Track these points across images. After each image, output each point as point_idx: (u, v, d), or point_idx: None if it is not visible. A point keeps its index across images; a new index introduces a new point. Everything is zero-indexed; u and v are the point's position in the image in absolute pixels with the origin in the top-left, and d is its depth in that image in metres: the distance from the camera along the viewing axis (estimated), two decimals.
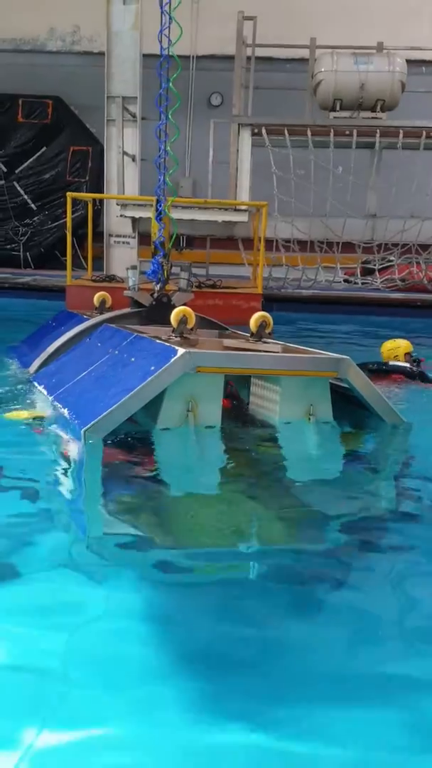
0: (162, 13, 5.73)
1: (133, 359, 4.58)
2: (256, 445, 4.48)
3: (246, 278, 12.69)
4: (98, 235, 12.29)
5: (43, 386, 5.47)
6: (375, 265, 12.46)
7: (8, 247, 15.84)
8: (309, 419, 4.45)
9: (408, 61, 12.20)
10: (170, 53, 5.83)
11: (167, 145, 5.90)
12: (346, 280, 13.04)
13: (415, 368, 6.61)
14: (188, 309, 4.85)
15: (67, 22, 17.27)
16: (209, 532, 3.39)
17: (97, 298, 7.05)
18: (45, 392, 5.29)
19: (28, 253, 15.70)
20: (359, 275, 12.45)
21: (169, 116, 5.92)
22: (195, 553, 3.15)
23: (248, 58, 12.77)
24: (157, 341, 4.63)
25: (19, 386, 5.86)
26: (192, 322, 4.84)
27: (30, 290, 12.49)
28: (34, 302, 11.96)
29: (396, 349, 6.96)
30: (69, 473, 3.92)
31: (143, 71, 11.79)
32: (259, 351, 4.70)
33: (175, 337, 4.75)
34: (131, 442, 4.23)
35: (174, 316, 4.78)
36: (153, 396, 4.01)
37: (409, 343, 7.03)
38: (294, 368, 4.38)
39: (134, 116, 11.85)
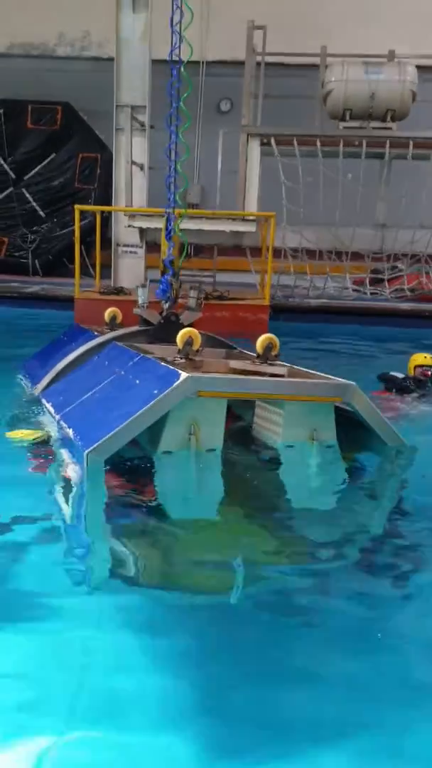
0: (173, 32, 5.67)
1: (137, 381, 4.56)
2: (257, 471, 4.49)
3: (253, 285, 12.64)
4: (106, 242, 12.26)
5: (50, 404, 5.45)
6: (384, 274, 12.40)
7: (17, 254, 15.86)
8: (312, 442, 4.40)
9: (420, 68, 12.14)
10: (181, 72, 5.77)
11: (177, 164, 5.86)
12: (355, 290, 12.97)
13: (410, 382, 6.62)
14: (194, 330, 4.84)
15: (77, 27, 17.23)
16: (209, 561, 3.43)
17: (108, 314, 7.02)
18: (52, 410, 5.28)
19: (36, 261, 15.72)
20: (368, 285, 12.37)
21: (180, 135, 5.88)
22: (195, 583, 3.21)
23: (258, 64, 12.70)
24: (162, 363, 4.59)
25: (29, 403, 5.92)
26: (198, 343, 4.82)
27: (38, 300, 12.45)
28: (43, 312, 11.95)
29: (412, 361, 6.96)
30: (70, 496, 3.95)
31: (152, 76, 11.76)
32: (265, 373, 4.66)
33: (181, 358, 4.73)
34: (133, 466, 4.24)
35: (180, 337, 4.78)
36: (155, 420, 4.00)
37: (426, 357, 6.97)
38: (297, 393, 4.33)
39: (143, 125, 11.82)
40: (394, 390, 6.65)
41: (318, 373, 4.68)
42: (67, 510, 3.85)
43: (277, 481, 4.28)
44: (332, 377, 4.47)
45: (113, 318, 7.00)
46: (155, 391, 4.03)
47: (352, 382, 4.28)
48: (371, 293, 12.26)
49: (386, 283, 12.27)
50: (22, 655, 2.60)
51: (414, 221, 11.65)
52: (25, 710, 2.28)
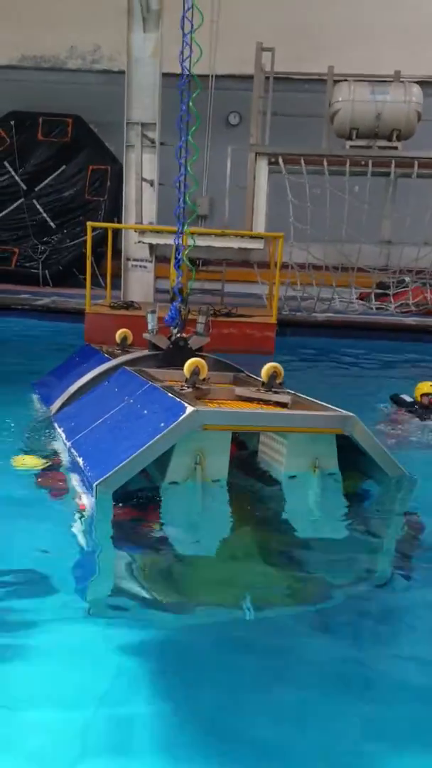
0: (184, 36, 5.77)
1: (145, 411, 4.69)
2: (261, 501, 4.62)
3: (259, 296, 12.85)
4: (116, 252, 12.45)
5: (62, 429, 5.61)
6: (390, 289, 12.60)
7: (27, 264, 16.09)
8: (314, 472, 4.54)
9: (427, 83, 12.33)
10: (191, 74, 5.87)
11: (186, 196, 6.06)
12: (361, 304, 13.16)
13: (417, 407, 6.89)
14: (201, 361, 4.97)
15: (88, 41, 17.50)
16: (213, 592, 3.61)
17: (119, 335, 7.18)
18: (64, 436, 5.44)
19: (46, 271, 15.94)
20: (374, 299, 12.57)
21: (190, 138, 5.99)
22: (199, 616, 3.37)
23: (266, 78, 12.89)
24: (169, 394, 4.71)
25: (42, 424, 6.08)
26: (204, 372, 4.98)
27: (49, 312, 12.69)
28: (53, 325, 12.17)
29: (418, 389, 7.21)
30: (78, 526, 4.10)
31: (162, 90, 11.98)
32: (270, 401, 4.84)
33: (188, 387, 4.87)
34: (140, 496, 4.39)
35: (187, 367, 4.90)
36: (162, 452, 4.14)
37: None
38: (299, 425, 4.45)
39: (153, 142, 12.05)
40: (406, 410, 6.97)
41: (319, 402, 4.80)
42: (75, 540, 3.99)
43: (280, 511, 4.42)
44: (333, 408, 4.59)
45: (124, 339, 7.19)
46: (162, 424, 4.18)
47: (352, 414, 4.39)
48: (377, 308, 12.45)
49: (391, 298, 12.45)
50: (26, 684, 2.79)
51: (418, 238, 11.84)
52: (36, 739, 2.49)
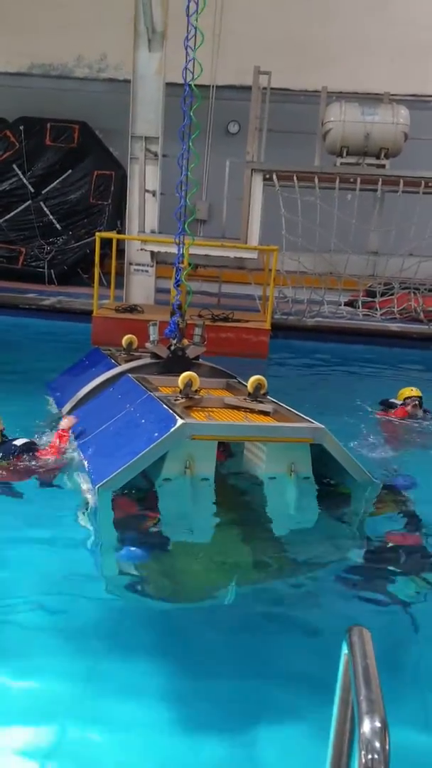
0: (186, 53, 6.46)
1: (143, 421, 5.34)
2: (245, 498, 5.34)
3: (253, 297, 13.63)
4: (119, 251, 13.15)
5: (72, 432, 6.28)
6: (377, 297, 13.41)
7: (33, 264, 16.83)
8: (291, 475, 5.20)
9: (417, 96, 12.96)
10: (194, 91, 6.49)
11: (185, 224, 6.83)
12: (348, 303, 13.93)
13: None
14: (193, 374, 5.63)
15: (95, 50, 18.20)
16: (204, 571, 4.34)
17: (125, 341, 7.86)
18: (72, 437, 6.09)
19: (52, 271, 16.67)
20: (360, 306, 13.35)
21: (190, 145, 6.63)
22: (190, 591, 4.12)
23: (263, 90, 13.59)
24: (164, 405, 5.33)
25: (54, 427, 6.79)
26: (196, 384, 5.63)
27: (55, 312, 13.44)
28: (59, 324, 12.89)
29: (401, 394, 8.14)
30: (82, 521, 4.84)
31: (165, 99, 12.64)
32: (254, 410, 5.58)
33: (182, 397, 5.52)
34: (138, 493, 5.10)
35: (181, 380, 5.56)
36: (155, 458, 4.80)
37: (411, 390, 8.10)
38: (275, 435, 5.13)
39: (155, 155, 12.79)
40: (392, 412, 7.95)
41: (296, 412, 5.46)
42: (79, 533, 4.72)
43: (262, 506, 5.15)
44: (307, 419, 5.27)
45: (130, 344, 7.93)
46: (156, 434, 4.85)
47: (321, 426, 5.06)
48: (363, 315, 13.25)
49: (378, 305, 13.25)
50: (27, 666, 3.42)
51: (404, 250, 12.64)
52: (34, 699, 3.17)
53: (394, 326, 13.31)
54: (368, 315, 13.36)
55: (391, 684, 3.21)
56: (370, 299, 13.50)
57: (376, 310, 13.32)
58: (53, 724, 3.02)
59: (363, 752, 1.37)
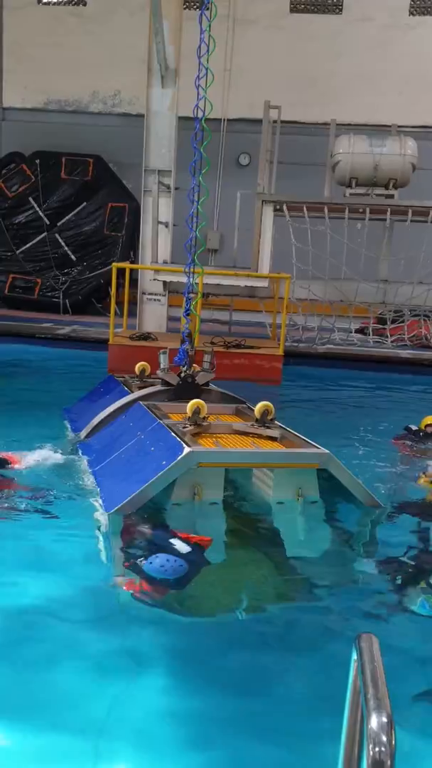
0: (198, 91, 6.70)
1: (152, 449, 5.48)
2: (253, 521, 5.43)
3: (263, 324, 13.83)
4: (132, 280, 13.41)
5: (86, 458, 6.43)
6: (388, 319, 13.59)
7: (49, 294, 17.15)
8: (298, 499, 5.32)
9: (425, 127, 13.25)
10: (203, 125, 6.74)
11: (195, 256, 7.04)
12: (359, 330, 14.09)
13: (420, 434, 7.94)
14: (201, 402, 5.82)
15: (109, 86, 18.71)
16: (213, 591, 4.43)
17: (138, 368, 8.07)
18: (86, 464, 6.26)
19: (67, 300, 16.98)
20: (371, 333, 13.52)
21: (200, 180, 6.83)
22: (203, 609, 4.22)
23: (273, 124, 13.92)
24: (172, 434, 5.46)
25: (72, 451, 6.90)
26: (204, 411, 5.79)
27: (69, 341, 13.68)
28: (74, 353, 13.11)
29: (424, 420, 8.16)
30: (96, 544, 4.94)
31: (178, 133, 12.94)
32: (262, 435, 5.68)
33: (190, 425, 5.67)
34: (148, 517, 5.18)
35: (189, 407, 5.74)
36: (164, 486, 4.95)
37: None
38: (281, 461, 5.26)
39: (168, 188, 13.08)
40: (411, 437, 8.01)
41: (303, 438, 5.56)
42: (93, 555, 4.81)
43: (270, 529, 5.27)
44: (314, 444, 5.37)
45: (143, 371, 8.12)
46: (164, 462, 5.00)
47: (327, 451, 5.18)
48: (374, 341, 13.40)
49: (388, 332, 13.41)
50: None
51: (413, 278, 12.83)
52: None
53: (405, 353, 13.44)
54: (379, 342, 13.52)
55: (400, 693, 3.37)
56: (380, 326, 13.67)
57: (387, 336, 13.48)
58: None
59: (371, 746, 1.50)
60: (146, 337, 11.95)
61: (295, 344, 13.05)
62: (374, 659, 1.68)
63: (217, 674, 3.66)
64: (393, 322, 13.53)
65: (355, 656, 1.81)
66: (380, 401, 11.48)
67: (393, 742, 1.51)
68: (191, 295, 7.30)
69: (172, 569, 4.36)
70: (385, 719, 1.51)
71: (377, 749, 1.48)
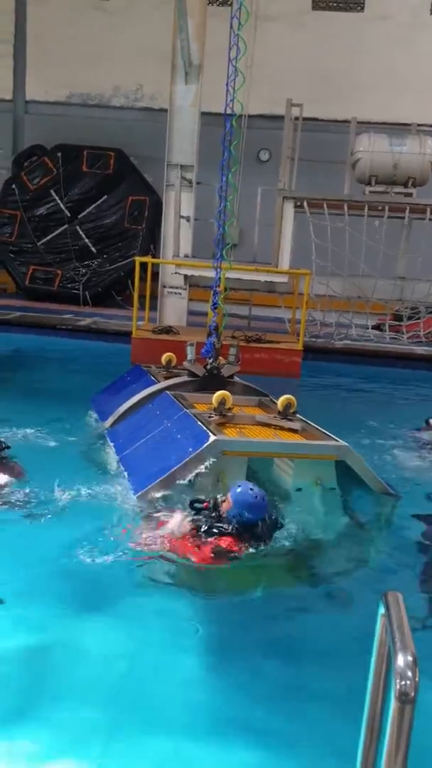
0: (227, 91, 6.90)
1: (179, 436, 5.69)
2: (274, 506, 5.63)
3: (282, 320, 14.03)
4: (153, 274, 13.61)
5: (113, 444, 6.63)
6: (404, 316, 13.77)
7: (69, 285, 17.40)
8: (317, 485, 5.55)
9: None
10: (233, 125, 6.94)
11: (224, 251, 7.26)
12: (375, 327, 14.27)
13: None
14: (227, 393, 6.03)
15: (131, 81, 18.92)
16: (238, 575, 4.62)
17: (164, 358, 8.26)
18: (113, 450, 6.47)
19: (87, 292, 17.22)
20: (388, 329, 13.69)
21: (230, 178, 7.06)
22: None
23: (295, 121, 14.08)
24: (198, 422, 5.65)
25: (98, 437, 7.21)
26: (229, 402, 6.00)
27: (90, 332, 13.93)
28: (94, 344, 13.35)
29: None
30: (120, 527, 5.11)
31: (201, 128, 13.15)
32: (284, 427, 5.88)
33: (216, 415, 5.88)
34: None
35: (215, 398, 5.95)
36: (190, 473, 5.10)
37: None
38: (301, 452, 5.50)
39: (190, 182, 13.29)
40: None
41: (323, 430, 5.76)
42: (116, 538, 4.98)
43: (289, 514, 5.43)
44: (333, 437, 5.58)
45: (169, 362, 8.34)
46: (190, 449, 5.20)
47: (345, 444, 5.42)
48: (390, 338, 13.58)
49: (404, 329, 13.58)
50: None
51: (430, 275, 13.00)
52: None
53: (420, 349, 13.60)
54: (395, 338, 13.69)
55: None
56: (397, 323, 13.84)
57: (403, 333, 13.66)
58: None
59: (398, 680, 1.73)
60: (168, 330, 12.16)
61: (313, 339, 13.24)
62: (400, 610, 1.90)
63: (245, 642, 3.91)
64: (409, 318, 13.70)
65: (382, 610, 2.03)
66: (396, 396, 11.68)
67: (417, 678, 1.73)
68: (218, 289, 7.48)
69: (262, 495, 4.60)
70: (410, 658, 1.74)
71: (403, 683, 1.71)
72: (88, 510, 5.35)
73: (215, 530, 4.56)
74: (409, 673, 1.71)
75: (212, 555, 4.45)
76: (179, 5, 11.99)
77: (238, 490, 4.66)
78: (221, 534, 4.55)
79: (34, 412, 7.91)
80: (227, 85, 6.77)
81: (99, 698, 3.33)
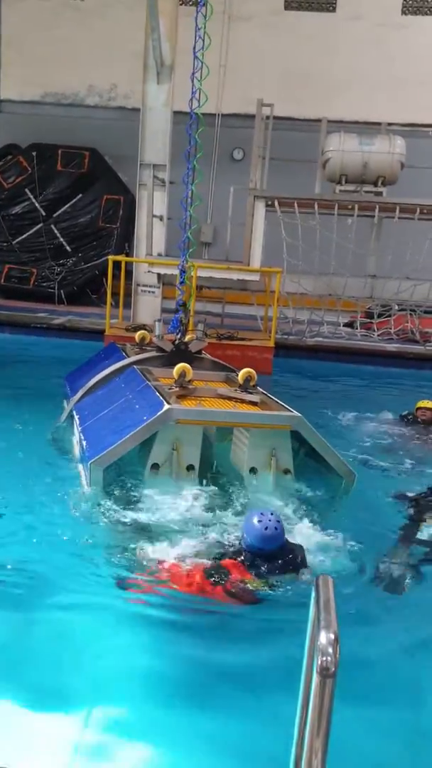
0: (192, 84, 7.03)
1: (137, 406, 5.81)
2: (228, 488, 5.67)
3: (255, 317, 14.16)
4: (127, 272, 13.69)
5: (78, 416, 6.70)
6: (375, 314, 13.96)
7: (44, 284, 17.43)
8: (271, 464, 5.60)
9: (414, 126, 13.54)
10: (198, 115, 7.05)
11: (190, 232, 7.34)
12: (347, 324, 14.44)
13: (409, 418, 8.55)
14: (187, 366, 6.09)
15: (106, 80, 18.96)
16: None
17: (138, 336, 8.37)
18: (78, 422, 6.54)
19: (62, 291, 17.25)
20: (359, 327, 13.88)
21: (195, 164, 7.18)
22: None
23: (266, 120, 14.19)
24: (157, 393, 5.76)
25: (67, 412, 7.35)
26: (190, 375, 6.07)
27: (64, 331, 13.97)
28: (68, 342, 13.38)
29: (417, 404, 8.64)
30: (73, 496, 5.29)
31: (174, 128, 13.18)
32: (244, 400, 5.97)
33: (176, 387, 5.97)
34: (126, 478, 5.52)
35: (175, 371, 6.04)
36: (143, 440, 5.27)
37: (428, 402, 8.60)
38: (254, 422, 5.59)
39: (163, 182, 13.38)
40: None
41: (282, 403, 5.85)
42: (68, 508, 5.17)
43: (244, 496, 5.50)
44: (287, 407, 5.67)
45: (143, 339, 8.40)
46: (145, 417, 5.36)
47: (299, 414, 5.48)
48: (361, 335, 13.77)
49: (375, 326, 13.77)
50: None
51: (400, 274, 13.19)
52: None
53: (391, 347, 13.80)
54: (366, 335, 13.87)
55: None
56: (368, 320, 14.03)
57: (374, 330, 13.84)
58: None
59: (319, 656, 1.85)
60: (141, 328, 12.21)
61: (285, 336, 13.38)
62: (328, 592, 2.03)
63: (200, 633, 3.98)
64: (380, 316, 13.89)
65: (314, 595, 2.16)
66: (366, 392, 11.84)
67: (338, 655, 1.86)
68: (185, 267, 7.56)
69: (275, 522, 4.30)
70: (332, 636, 1.87)
71: (324, 658, 1.84)
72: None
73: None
74: (330, 650, 1.84)
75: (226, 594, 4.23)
76: (151, 5, 12.08)
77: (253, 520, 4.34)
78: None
79: (6, 410, 7.98)
80: (192, 76, 6.91)
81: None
